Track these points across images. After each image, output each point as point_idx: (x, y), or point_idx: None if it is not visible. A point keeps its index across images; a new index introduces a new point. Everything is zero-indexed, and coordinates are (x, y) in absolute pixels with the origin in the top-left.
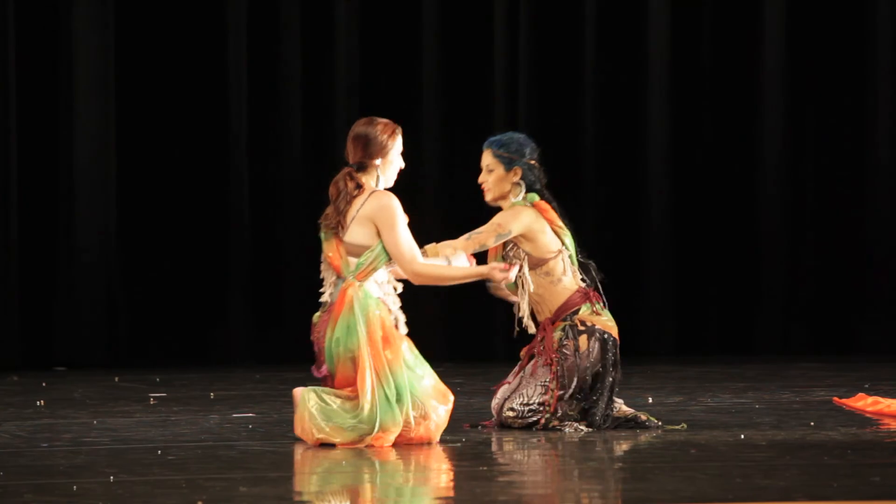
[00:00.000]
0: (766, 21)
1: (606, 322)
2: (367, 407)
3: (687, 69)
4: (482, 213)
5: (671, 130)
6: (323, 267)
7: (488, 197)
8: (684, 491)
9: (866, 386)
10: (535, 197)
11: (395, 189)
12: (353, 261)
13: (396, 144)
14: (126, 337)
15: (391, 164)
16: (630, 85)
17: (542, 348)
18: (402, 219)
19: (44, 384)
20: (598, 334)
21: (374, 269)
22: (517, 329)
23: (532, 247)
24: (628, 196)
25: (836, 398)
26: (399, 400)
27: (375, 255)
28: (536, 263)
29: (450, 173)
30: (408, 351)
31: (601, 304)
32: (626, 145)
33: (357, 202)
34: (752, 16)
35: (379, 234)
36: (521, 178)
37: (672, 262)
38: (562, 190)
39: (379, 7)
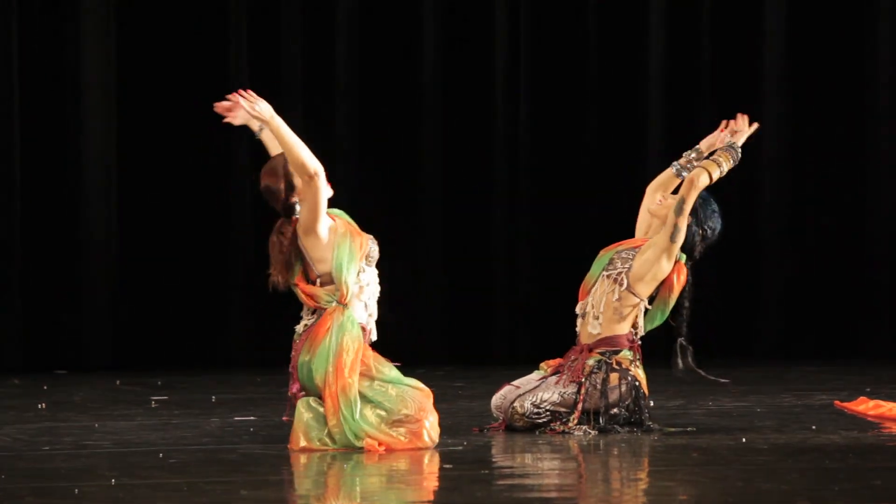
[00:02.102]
0: (767, 25)
1: (639, 373)
2: (335, 431)
3: (686, 72)
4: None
5: (670, 131)
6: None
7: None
8: (685, 494)
9: (868, 389)
10: (683, 256)
11: (396, 190)
12: (329, 288)
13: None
14: (127, 340)
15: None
16: (630, 87)
17: (570, 367)
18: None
19: (45, 387)
20: (629, 378)
21: (349, 282)
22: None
23: (642, 281)
24: (629, 198)
25: (837, 402)
26: (362, 416)
27: (336, 263)
28: (626, 295)
29: (451, 173)
30: (374, 367)
31: (640, 359)
32: (626, 146)
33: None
34: (753, 18)
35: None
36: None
37: None
38: (562, 191)
39: (379, 9)
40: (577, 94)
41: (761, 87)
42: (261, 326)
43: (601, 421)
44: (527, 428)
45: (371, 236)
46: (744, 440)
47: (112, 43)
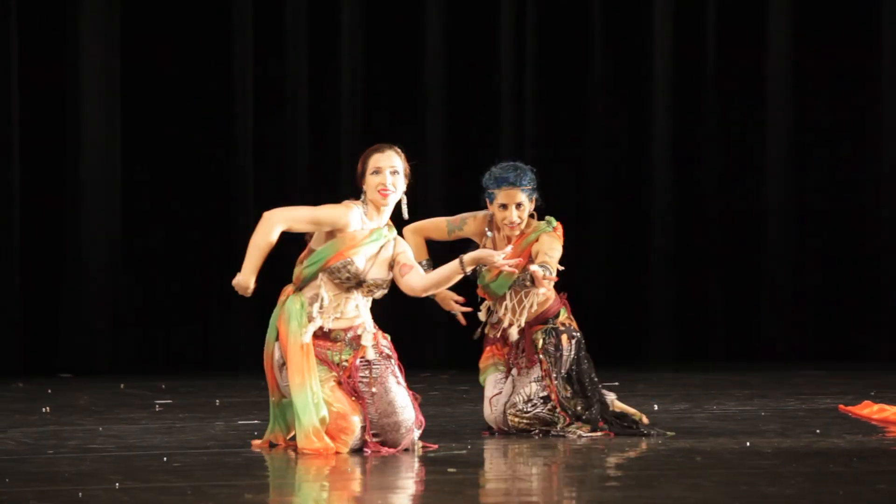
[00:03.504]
0: (771, 29)
1: (574, 323)
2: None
3: (691, 76)
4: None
5: (675, 136)
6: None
7: (517, 231)
8: (690, 498)
9: (872, 393)
10: (554, 221)
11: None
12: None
13: (367, 166)
14: (131, 343)
15: (367, 186)
16: (634, 90)
17: (520, 352)
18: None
19: (49, 391)
20: (573, 334)
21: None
22: (481, 333)
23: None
24: (633, 203)
25: (841, 406)
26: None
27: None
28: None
29: (455, 178)
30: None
31: (569, 307)
32: (630, 152)
33: None
34: (758, 22)
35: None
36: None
37: (677, 269)
38: (565, 197)
39: (383, 14)
40: (583, 97)
41: (766, 94)
42: (265, 329)
43: (588, 391)
44: (530, 427)
45: (376, 280)
46: (748, 444)
47: (116, 46)
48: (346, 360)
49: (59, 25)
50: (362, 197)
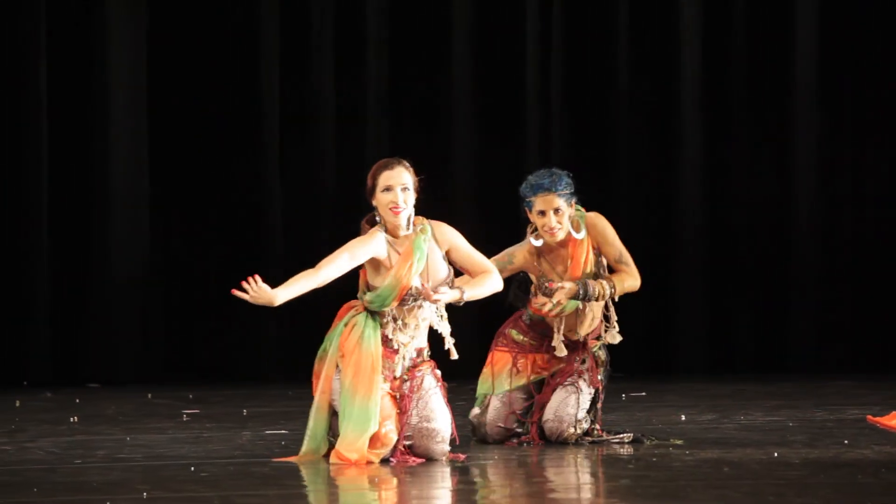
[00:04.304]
0: (798, 36)
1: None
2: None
3: (719, 83)
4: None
5: (704, 144)
6: None
7: (560, 236)
8: None
9: None
10: (582, 210)
11: (429, 202)
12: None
13: (377, 183)
14: (159, 353)
15: (378, 203)
16: (663, 96)
17: (581, 368)
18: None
19: (77, 400)
20: (606, 351)
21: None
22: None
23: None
24: (662, 213)
25: (869, 416)
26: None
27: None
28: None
29: (482, 181)
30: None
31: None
32: (659, 159)
33: None
34: (785, 28)
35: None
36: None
37: (706, 280)
38: (591, 206)
39: (409, 18)
40: (611, 106)
41: (795, 105)
42: (294, 339)
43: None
44: (578, 439)
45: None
46: (776, 455)
47: (142, 59)
48: (399, 371)
49: (87, 39)
50: (376, 215)
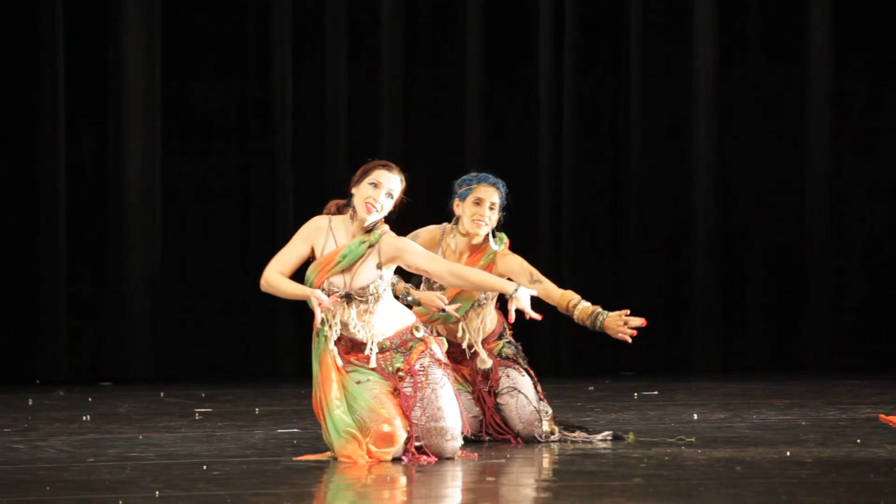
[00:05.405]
0: (812, 41)
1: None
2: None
3: (734, 90)
4: (526, 227)
5: (717, 146)
6: None
7: (483, 231)
8: None
9: None
10: (504, 237)
11: (438, 209)
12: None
13: (368, 175)
14: (171, 352)
15: (357, 191)
16: (676, 102)
17: (484, 370)
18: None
19: (90, 399)
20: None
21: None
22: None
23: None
24: (675, 214)
25: (882, 415)
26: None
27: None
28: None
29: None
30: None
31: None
32: (672, 161)
33: None
34: (799, 38)
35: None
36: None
37: (718, 279)
38: (603, 205)
39: (422, 20)
40: (621, 114)
41: (808, 112)
42: (306, 338)
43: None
44: (551, 432)
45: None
46: (788, 454)
47: (156, 61)
48: (400, 368)
49: (101, 39)
50: (349, 199)
